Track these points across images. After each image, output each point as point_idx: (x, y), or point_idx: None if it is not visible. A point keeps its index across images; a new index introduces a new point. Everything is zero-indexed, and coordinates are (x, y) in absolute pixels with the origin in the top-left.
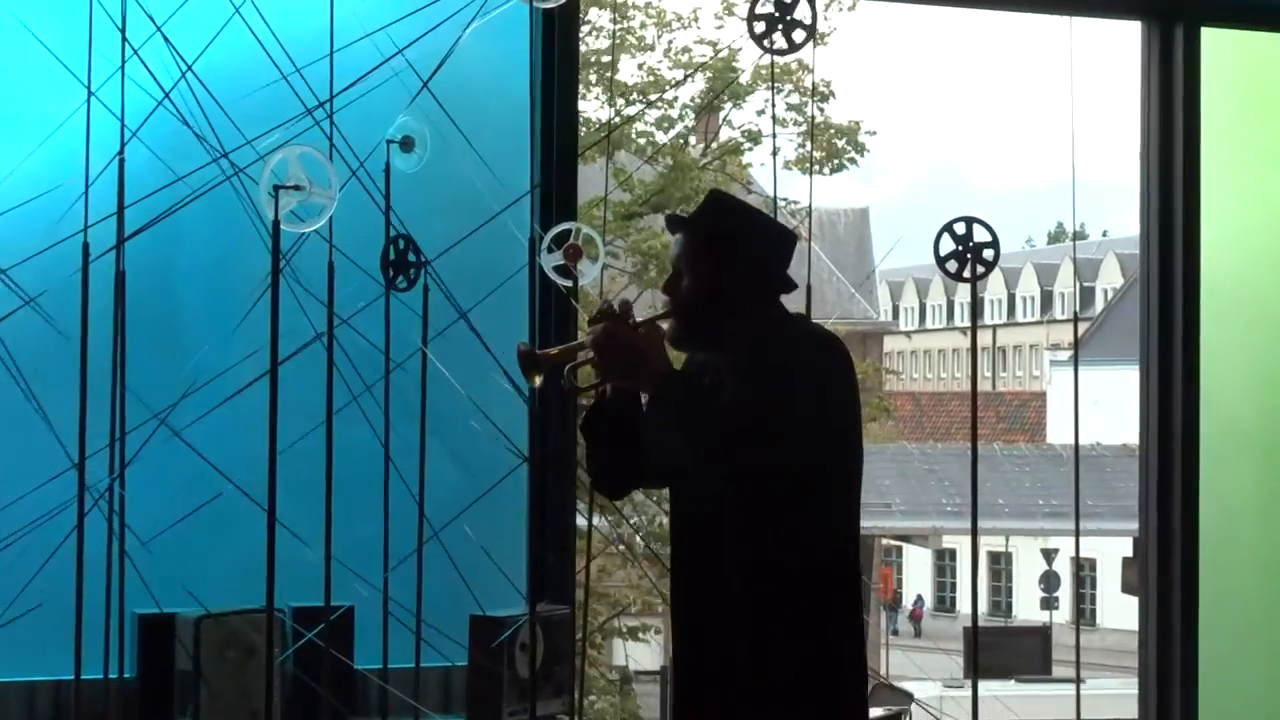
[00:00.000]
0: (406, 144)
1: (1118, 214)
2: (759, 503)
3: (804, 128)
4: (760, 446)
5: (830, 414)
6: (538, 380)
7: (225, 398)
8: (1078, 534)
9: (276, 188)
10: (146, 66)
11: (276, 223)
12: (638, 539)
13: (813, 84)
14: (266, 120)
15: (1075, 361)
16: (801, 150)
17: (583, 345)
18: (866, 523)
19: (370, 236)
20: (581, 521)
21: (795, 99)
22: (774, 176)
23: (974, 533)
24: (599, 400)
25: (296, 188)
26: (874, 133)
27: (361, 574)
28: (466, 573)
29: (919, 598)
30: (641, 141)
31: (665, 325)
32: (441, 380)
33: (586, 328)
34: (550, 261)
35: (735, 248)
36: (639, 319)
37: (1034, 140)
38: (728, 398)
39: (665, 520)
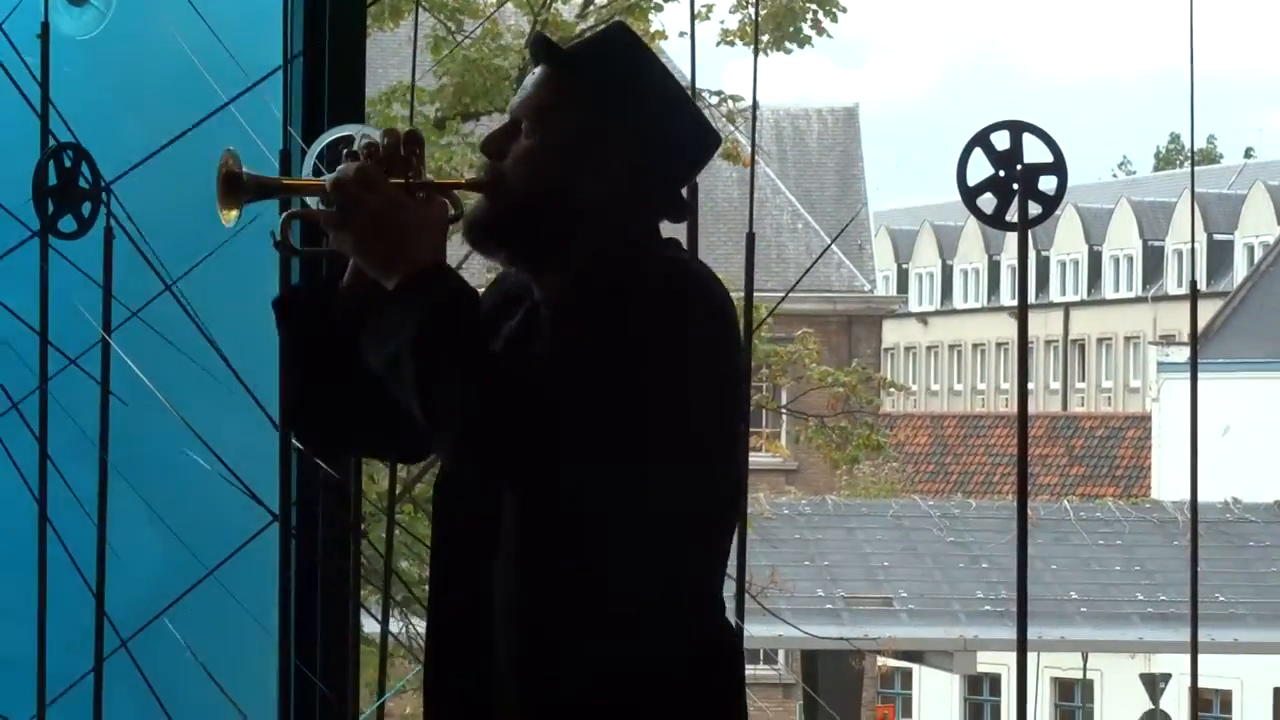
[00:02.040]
0: None
1: (1271, 122)
2: (556, 528)
3: None
4: (573, 436)
5: (695, 396)
6: (232, 215)
7: None
8: (1195, 649)
9: None
10: None
11: None
12: None
13: None
14: None
15: (1194, 365)
16: (744, 13)
17: (321, 187)
18: (853, 630)
19: (15, 147)
20: (372, 625)
21: None
22: (692, 53)
23: (1021, 646)
24: (317, 273)
25: None
26: None
27: (1, 712)
28: (175, 706)
29: None
30: None
31: (467, 204)
32: (138, 390)
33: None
34: None
35: (624, 115)
36: (424, 178)
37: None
38: (543, 344)
39: None
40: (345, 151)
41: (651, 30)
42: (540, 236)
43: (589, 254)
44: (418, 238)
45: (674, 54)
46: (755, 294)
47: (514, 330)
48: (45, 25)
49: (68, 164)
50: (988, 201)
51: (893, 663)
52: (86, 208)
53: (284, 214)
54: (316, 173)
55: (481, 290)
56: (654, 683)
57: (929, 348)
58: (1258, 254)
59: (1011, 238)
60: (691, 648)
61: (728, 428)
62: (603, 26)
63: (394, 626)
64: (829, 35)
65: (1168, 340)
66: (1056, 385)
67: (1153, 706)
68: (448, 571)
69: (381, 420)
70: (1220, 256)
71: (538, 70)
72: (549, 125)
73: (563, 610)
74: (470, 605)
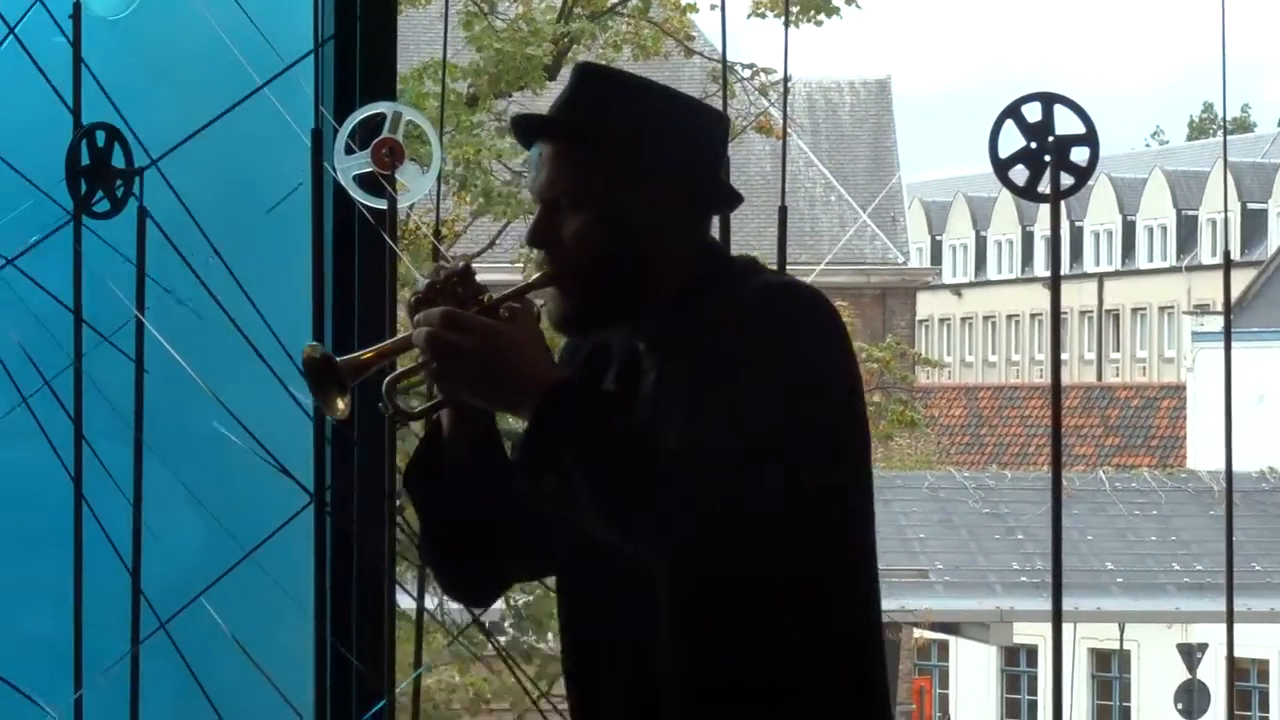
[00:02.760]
0: None
1: None
2: (729, 584)
3: None
4: (753, 502)
5: (845, 430)
6: (341, 406)
7: None
8: (1231, 619)
9: None
10: None
11: None
12: (505, 627)
13: None
14: None
15: (1227, 334)
16: None
17: (407, 343)
18: (889, 602)
19: (47, 128)
20: (407, 601)
21: None
22: (723, 25)
23: (1057, 617)
24: (430, 436)
25: None
26: None
27: (38, 692)
28: (213, 686)
29: None
30: None
31: (541, 300)
32: (173, 370)
33: (408, 317)
34: (351, 168)
35: (645, 148)
36: (493, 295)
37: None
38: (700, 419)
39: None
40: (412, 299)
41: (683, 3)
42: (630, 296)
43: (678, 283)
44: (527, 359)
45: (705, 27)
46: (788, 267)
47: (618, 388)
48: (77, 5)
49: (101, 142)
50: (1020, 173)
51: (929, 635)
52: (120, 187)
53: (385, 382)
54: (350, 150)
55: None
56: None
57: (963, 319)
58: None
59: (1045, 208)
60: (842, 677)
61: (863, 445)
62: (569, 78)
63: (429, 603)
64: (858, 6)
65: (1202, 310)
66: (1091, 356)
67: (1190, 676)
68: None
69: (518, 547)
70: (1254, 225)
71: (542, 148)
72: (586, 195)
73: (729, 654)
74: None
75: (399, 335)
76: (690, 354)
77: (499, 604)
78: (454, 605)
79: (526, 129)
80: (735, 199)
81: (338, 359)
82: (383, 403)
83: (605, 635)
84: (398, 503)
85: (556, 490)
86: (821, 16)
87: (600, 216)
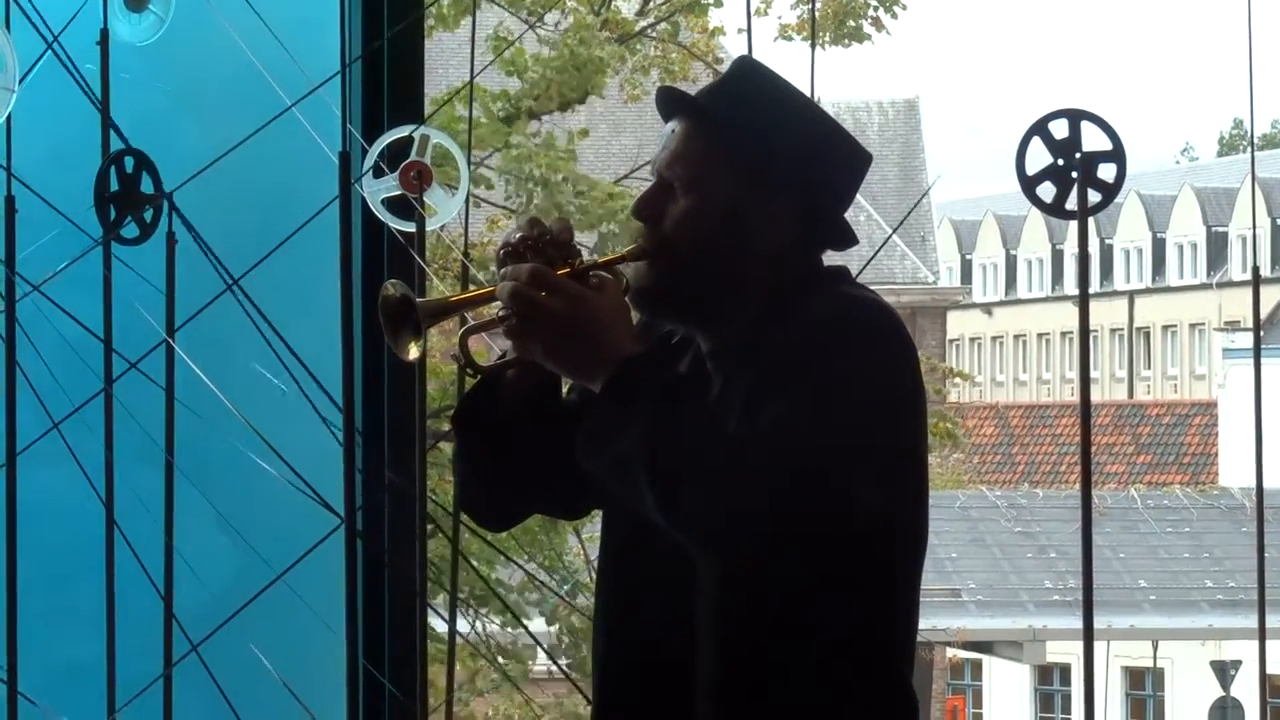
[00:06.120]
0: None
1: None
2: (777, 588)
3: None
4: (808, 504)
5: (903, 446)
6: (413, 350)
7: None
8: (1263, 636)
9: None
10: None
11: None
12: (539, 650)
13: None
14: None
15: (1257, 350)
16: (803, 7)
17: (491, 295)
18: (922, 622)
19: (77, 153)
20: (439, 624)
21: None
22: (749, 49)
23: (1088, 635)
24: (487, 381)
25: None
26: None
27: (74, 715)
28: (245, 709)
29: None
30: None
31: (629, 271)
32: (201, 393)
33: (496, 270)
34: (379, 191)
35: (778, 159)
36: (583, 259)
37: None
38: (763, 417)
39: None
40: (501, 251)
41: (710, 26)
42: (714, 295)
43: (763, 299)
44: (611, 330)
45: (732, 49)
46: None
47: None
48: (104, 32)
49: (129, 167)
50: (1047, 190)
51: (962, 654)
52: (148, 212)
53: (461, 332)
54: (378, 172)
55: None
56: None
57: (994, 338)
58: None
59: (1073, 226)
60: (879, 693)
61: (922, 466)
62: (729, 66)
63: (461, 625)
64: (888, 32)
65: (1233, 326)
66: (1122, 373)
67: (1224, 694)
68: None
69: (549, 491)
70: None
71: (677, 125)
72: (705, 182)
73: (770, 662)
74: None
75: (483, 289)
76: (761, 363)
77: (543, 629)
78: (488, 629)
79: (667, 102)
80: (849, 240)
81: (417, 300)
82: (457, 353)
83: (647, 616)
84: (428, 527)
85: (610, 462)
86: (850, 42)
87: (707, 205)
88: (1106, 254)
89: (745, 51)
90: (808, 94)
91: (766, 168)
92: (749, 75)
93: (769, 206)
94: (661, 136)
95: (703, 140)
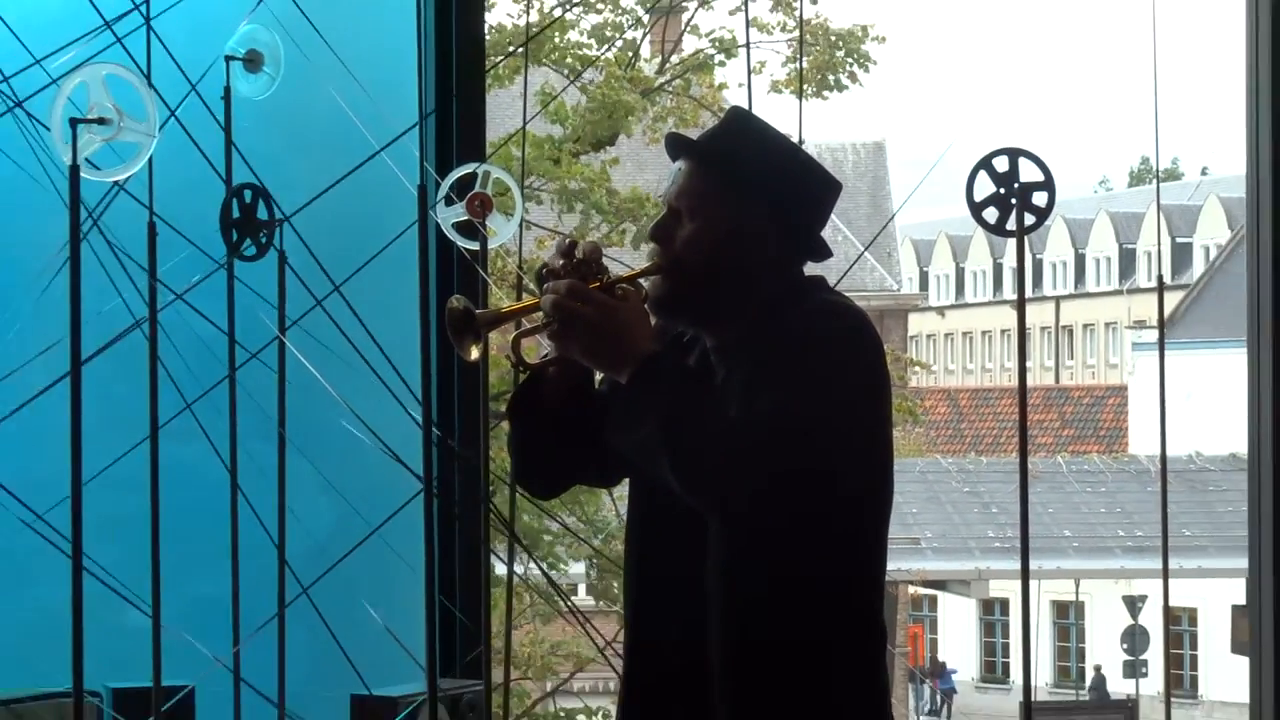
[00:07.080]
0: (252, 61)
1: (1222, 144)
2: (775, 540)
3: (793, 34)
4: (800, 472)
5: (875, 425)
6: (474, 352)
7: (11, 409)
8: (1166, 575)
9: (74, 121)
10: None
11: (75, 168)
12: (580, 589)
13: None
14: (60, 33)
15: (1161, 344)
16: (791, 65)
17: (536, 306)
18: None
19: (205, 186)
20: (501, 568)
21: None
22: (749, 100)
23: (1024, 575)
24: (535, 375)
25: (102, 121)
26: (883, 39)
27: (203, 644)
28: (345, 639)
29: (943, 666)
30: (575, 55)
31: (648, 284)
32: (307, 380)
33: (536, 285)
34: (450, 217)
35: (766, 190)
36: (610, 275)
37: (1106, 42)
38: (762, 401)
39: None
40: (543, 270)
41: (716, 83)
42: (718, 303)
43: (758, 304)
44: (635, 332)
45: (733, 100)
46: None
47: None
48: (227, 89)
49: (248, 198)
50: (991, 214)
51: (921, 590)
52: (264, 235)
53: (513, 336)
54: (449, 202)
55: None
56: (828, 656)
57: (946, 335)
58: (1212, 253)
59: (1012, 243)
60: (857, 624)
61: (887, 438)
62: (725, 114)
63: (518, 568)
64: (861, 84)
65: (1140, 325)
66: (1050, 363)
67: (1133, 622)
68: (652, 558)
69: (587, 465)
70: (1182, 256)
71: (683, 163)
72: (708, 210)
73: (769, 600)
74: (673, 589)
75: (529, 300)
76: (758, 357)
77: (577, 569)
78: (535, 572)
79: (674, 145)
80: (824, 253)
81: (476, 311)
82: (509, 354)
83: (667, 575)
84: (490, 489)
85: (636, 441)
86: (829, 93)
87: (709, 228)
88: (1037, 266)
89: (745, 103)
90: (791, 136)
91: (757, 196)
92: (740, 121)
93: (760, 228)
94: (670, 173)
95: (704, 176)
